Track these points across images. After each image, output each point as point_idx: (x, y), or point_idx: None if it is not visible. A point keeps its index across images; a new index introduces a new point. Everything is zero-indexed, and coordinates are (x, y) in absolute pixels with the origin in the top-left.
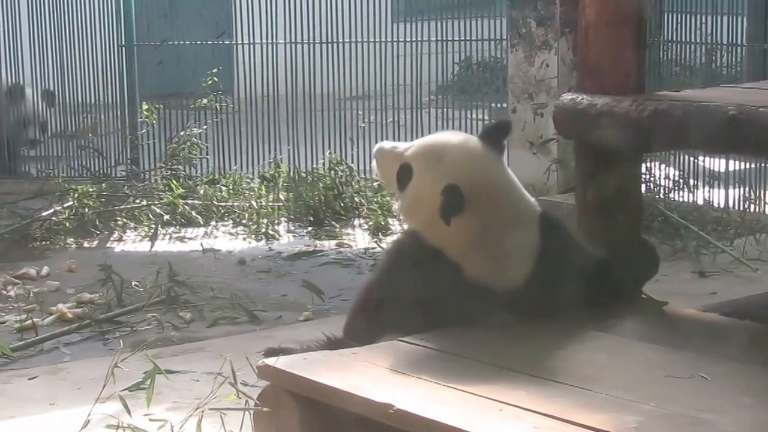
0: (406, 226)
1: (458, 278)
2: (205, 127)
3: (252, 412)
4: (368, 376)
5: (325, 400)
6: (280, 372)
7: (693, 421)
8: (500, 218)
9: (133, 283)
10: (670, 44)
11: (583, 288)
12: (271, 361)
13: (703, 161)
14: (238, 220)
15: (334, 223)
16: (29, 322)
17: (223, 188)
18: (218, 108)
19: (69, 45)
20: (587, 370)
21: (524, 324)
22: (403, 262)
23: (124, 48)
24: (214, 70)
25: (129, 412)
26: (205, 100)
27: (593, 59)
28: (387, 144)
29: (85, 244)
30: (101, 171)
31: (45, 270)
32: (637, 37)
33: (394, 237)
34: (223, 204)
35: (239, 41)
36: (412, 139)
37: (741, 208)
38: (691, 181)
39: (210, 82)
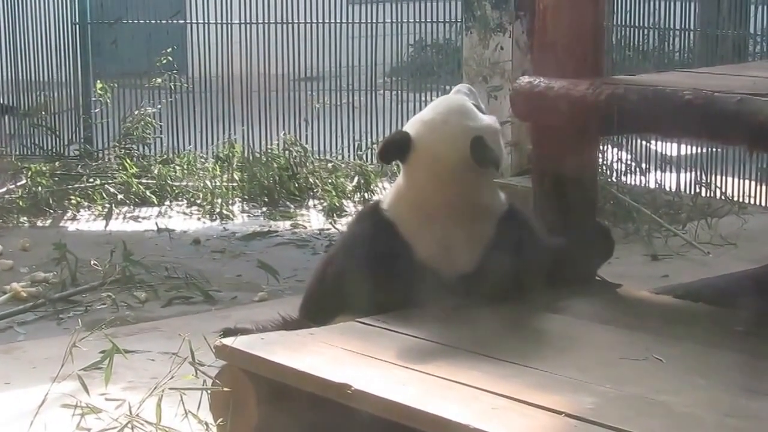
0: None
1: (408, 258)
2: (159, 106)
3: (209, 391)
4: (326, 356)
5: (283, 380)
6: (238, 352)
7: (648, 401)
8: (454, 207)
9: (92, 262)
10: (623, 28)
11: (536, 278)
12: (228, 341)
13: (655, 145)
14: (192, 199)
15: (288, 203)
16: None
17: (178, 168)
18: (172, 87)
19: (22, 22)
20: (543, 352)
21: (481, 306)
22: (358, 237)
23: (77, 26)
24: (168, 50)
25: (87, 391)
26: (159, 80)
27: (550, 42)
28: None
29: (39, 223)
30: (55, 149)
31: None
32: (594, 20)
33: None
34: (177, 184)
35: (193, 21)
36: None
37: (693, 192)
38: (644, 165)
39: (164, 62)
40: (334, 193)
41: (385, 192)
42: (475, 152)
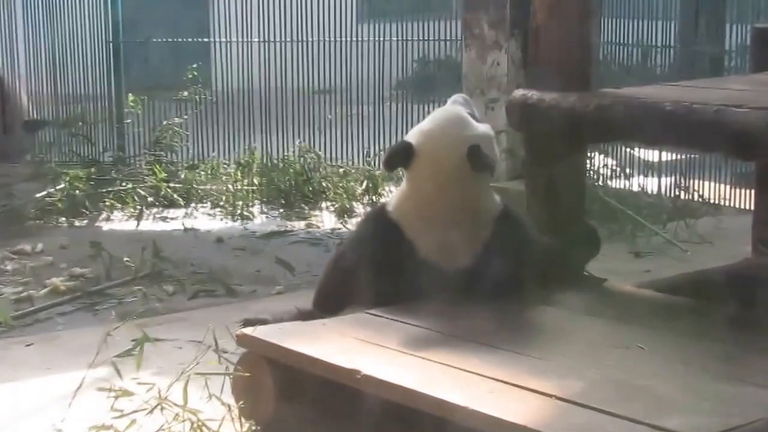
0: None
1: (411, 255)
2: (185, 117)
3: (231, 376)
4: (337, 344)
5: (299, 366)
6: (258, 340)
7: (631, 386)
8: (453, 209)
9: (124, 259)
10: (609, 45)
11: (529, 273)
12: (249, 330)
13: (638, 152)
14: (215, 202)
15: (303, 205)
16: (25, 294)
17: (202, 173)
18: (198, 100)
19: (61, 42)
20: (536, 341)
21: (479, 299)
22: (366, 235)
23: (111, 44)
24: (194, 66)
25: (120, 376)
26: (185, 93)
27: (543, 58)
28: None
29: (76, 223)
30: (91, 156)
31: (39, 246)
32: (582, 38)
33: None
34: (202, 187)
35: (217, 39)
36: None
37: (672, 195)
38: (628, 170)
39: (190, 77)
40: (344, 196)
41: (390, 195)
42: (472, 160)
